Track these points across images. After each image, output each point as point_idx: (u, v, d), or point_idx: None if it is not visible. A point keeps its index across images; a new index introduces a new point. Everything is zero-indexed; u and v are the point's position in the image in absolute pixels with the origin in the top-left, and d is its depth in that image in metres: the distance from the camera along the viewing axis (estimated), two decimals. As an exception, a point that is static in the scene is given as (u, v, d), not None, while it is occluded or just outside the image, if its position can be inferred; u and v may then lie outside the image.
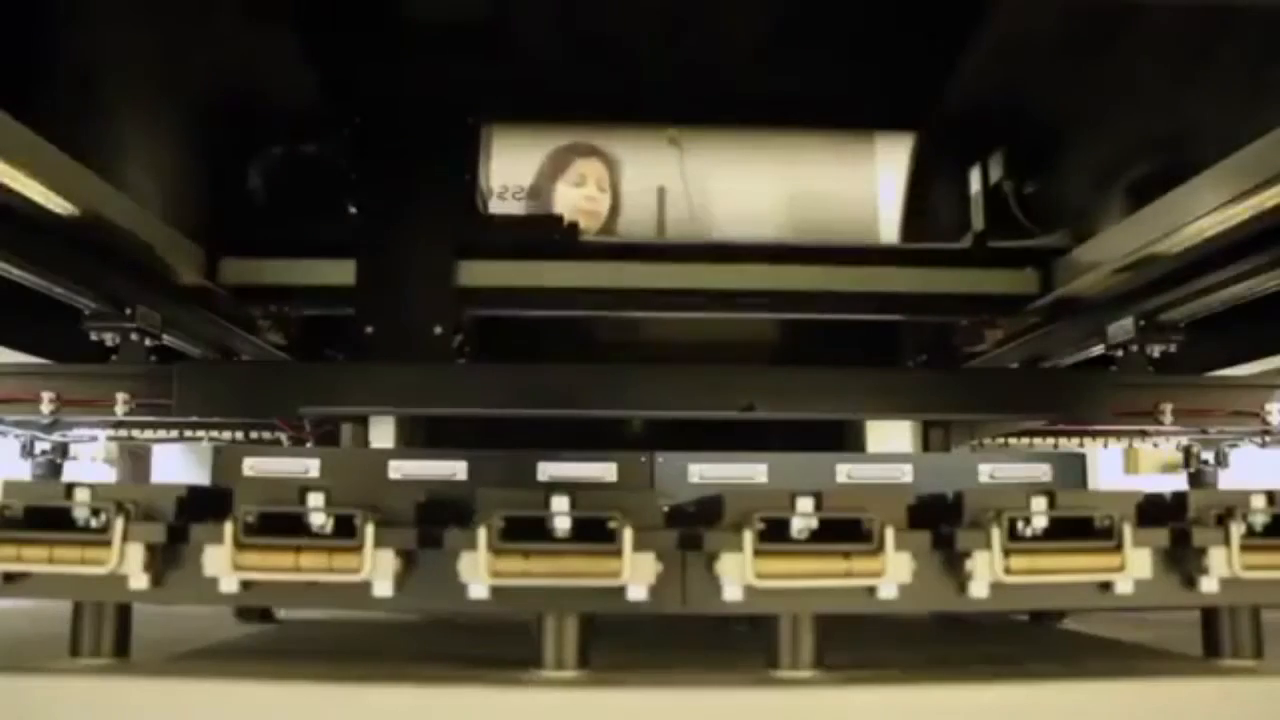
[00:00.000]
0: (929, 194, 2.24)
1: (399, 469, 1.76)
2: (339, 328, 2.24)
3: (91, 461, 2.54)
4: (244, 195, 2.11)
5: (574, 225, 2.14)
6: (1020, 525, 0.95)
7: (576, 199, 2.19)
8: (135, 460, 2.83)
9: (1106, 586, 0.96)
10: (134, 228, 1.72)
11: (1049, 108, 2.03)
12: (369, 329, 2.01)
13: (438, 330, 2.01)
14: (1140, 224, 1.74)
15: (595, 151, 2.21)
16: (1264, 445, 2.32)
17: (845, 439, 2.21)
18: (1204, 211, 1.54)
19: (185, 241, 1.97)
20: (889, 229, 2.25)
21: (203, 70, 1.90)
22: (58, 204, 1.49)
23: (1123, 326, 2.03)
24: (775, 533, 0.93)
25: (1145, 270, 1.81)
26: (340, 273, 2.09)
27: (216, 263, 2.08)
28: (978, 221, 2.18)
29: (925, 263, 2.17)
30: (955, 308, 2.19)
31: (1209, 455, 2.45)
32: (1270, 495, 0.98)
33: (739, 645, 1.08)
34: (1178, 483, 2.47)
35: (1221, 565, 0.96)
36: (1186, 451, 2.44)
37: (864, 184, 2.23)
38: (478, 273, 2.10)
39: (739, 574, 0.92)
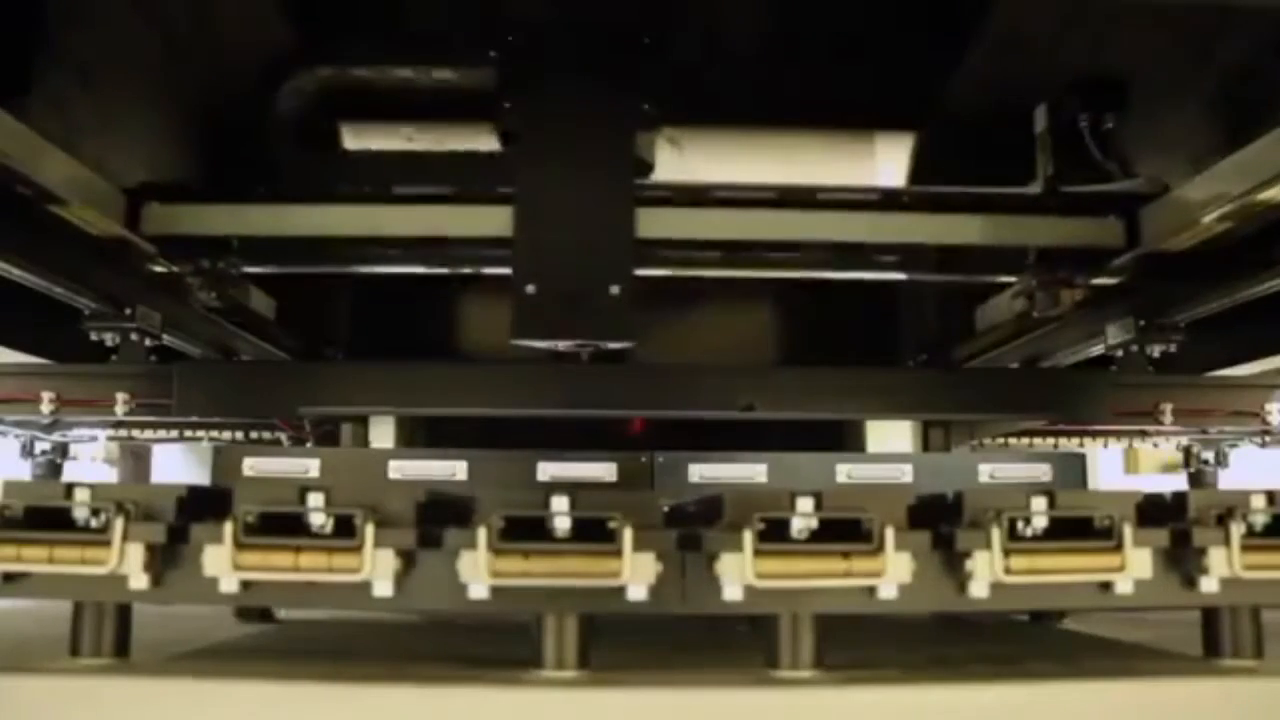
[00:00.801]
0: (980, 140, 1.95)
1: (399, 469, 1.76)
2: (337, 321, 2.22)
3: (91, 461, 2.54)
4: (177, 129, 1.92)
5: None
6: (1020, 525, 0.95)
7: None
8: (136, 460, 2.83)
9: (1106, 586, 0.96)
10: (31, 163, 1.53)
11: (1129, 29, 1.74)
12: (530, 288, 1.66)
13: (614, 290, 1.67)
14: (1245, 163, 1.53)
15: None
16: (1264, 445, 2.32)
17: (845, 439, 2.21)
18: None
19: (102, 183, 1.75)
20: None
21: None
22: None
23: (1123, 326, 2.03)
24: (775, 533, 0.93)
25: (1251, 219, 1.58)
26: (294, 220, 1.87)
27: (139, 209, 1.86)
28: (1046, 166, 1.87)
29: (985, 209, 1.88)
30: (1025, 263, 1.93)
31: (1209, 455, 2.45)
32: (1270, 495, 0.98)
33: (739, 645, 1.08)
34: (1178, 483, 2.47)
35: (1221, 565, 0.96)
36: (1186, 451, 2.44)
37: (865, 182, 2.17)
38: (657, 222, 1.81)
39: (739, 574, 0.92)
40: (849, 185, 1.95)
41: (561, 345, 1.73)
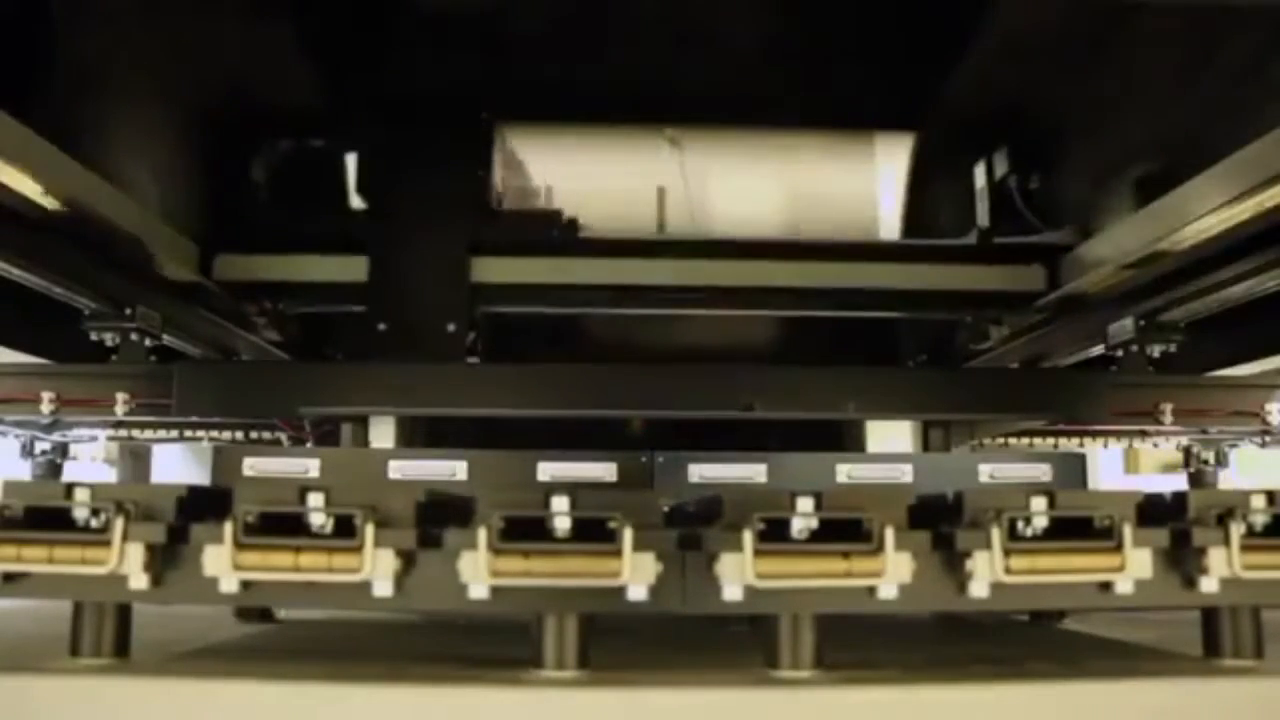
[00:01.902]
0: (931, 191, 2.23)
1: (399, 469, 1.76)
2: (339, 327, 2.23)
3: (91, 461, 2.54)
4: (240, 191, 2.11)
5: (573, 221, 2.14)
6: (1020, 525, 0.95)
7: None
8: (136, 460, 2.83)
9: (1106, 586, 0.96)
10: (128, 224, 1.71)
11: (1053, 104, 2.01)
12: (381, 326, 2.00)
13: (451, 328, 2.00)
14: (1147, 220, 1.73)
15: None
16: (1264, 445, 2.32)
17: (845, 439, 2.21)
18: (1209, 209, 1.53)
19: (180, 238, 1.96)
20: (890, 228, 2.24)
21: (201, 66, 1.90)
22: (50, 200, 1.48)
23: (1123, 326, 2.03)
24: (775, 533, 0.93)
25: (1151, 267, 1.80)
26: (336, 269, 2.08)
27: (211, 259, 2.08)
28: (983, 217, 2.16)
29: (930, 259, 2.15)
30: (960, 304, 2.18)
31: (1209, 455, 2.44)
32: (1270, 495, 0.98)
33: (739, 645, 1.08)
34: (1178, 483, 2.46)
35: (1221, 565, 0.96)
36: (1186, 451, 2.44)
37: (865, 182, 2.23)
38: (491, 269, 2.09)
39: (739, 574, 0.92)
40: (799, 240, 2.19)
41: None
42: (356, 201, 2.27)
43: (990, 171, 2.17)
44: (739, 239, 2.19)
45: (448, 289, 2.02)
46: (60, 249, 1.68)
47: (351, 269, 2.10)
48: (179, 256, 1.96)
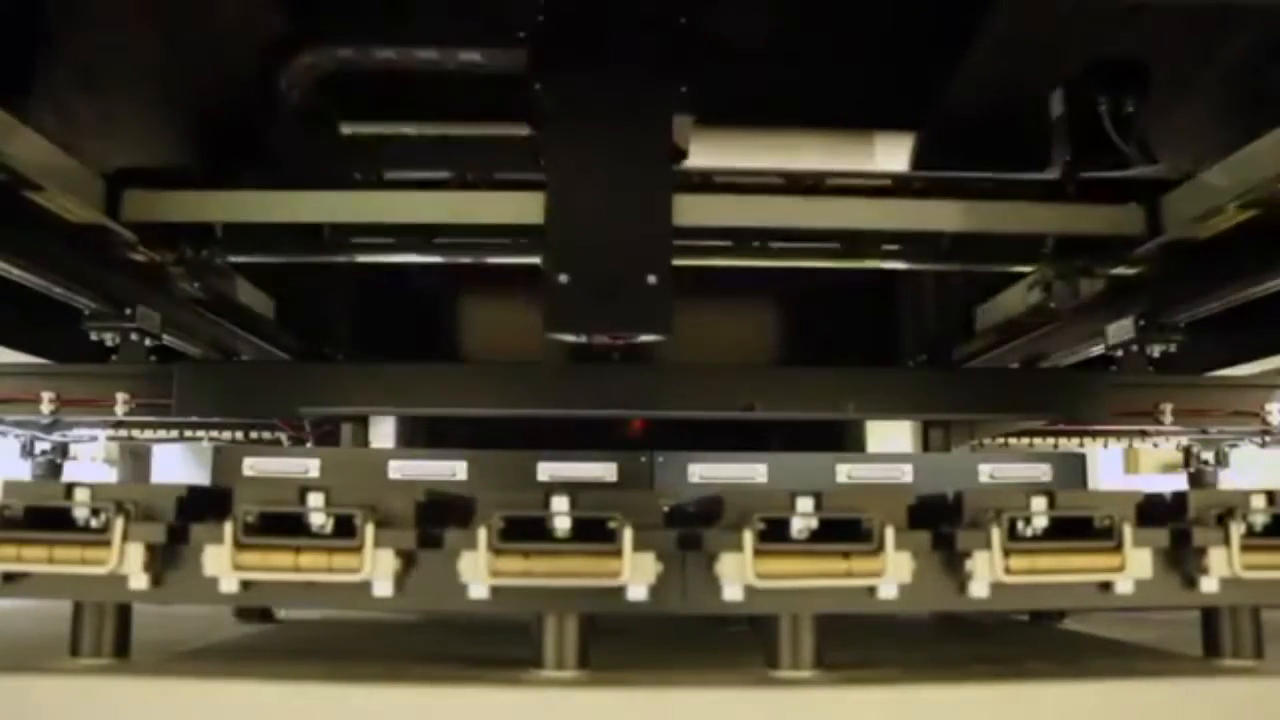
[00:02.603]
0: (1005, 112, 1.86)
1: (399, 469, 1.76)
2: (338, 325, 2.22)
3: (91, 461, 2.54)
4: (161, 111, 1.84)
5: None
6: (1020, 525, 0.95)
7: None
8: (136, 460, 2.83)
9: (1106, 586, 0.96)
10: (4, 146, 1.49)
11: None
12: (562, 277, 1.58)
13: (652, 280, 1.58)
14: (1270, 149, 1.50)
15: None
16: (1264, 445, 2.32)
17: (845, 439, 2.21)
18: None
19: (80, 168, 1.69)
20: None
21: None
22: None
23: (1123, 326, 2.03)
24: (775, 533, 0.93)
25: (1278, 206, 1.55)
26: (280, 207, 1.84)
27: (119, 196, 1.81)
28: (1063, 151, 1.80)
29: (1003, 196, 1.85)
30: (1041, 251, 1.90)
31: (1209, 455, 2.45)
32: (1270, 495, 0.98)
33: (739, 645, 1.08)
34: (1178, 483, 2.47)
35: (1221, 565, 0.96)
36: (1186, 451, 2.44)
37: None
38: (695, 210, 1.78)
39: (739, 574, 0.91)
40: (866, 170, 1.91)
41: (596, 339, 1.66)
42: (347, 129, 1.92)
43: (1070, 96, 1.79)
44: (797, 170, 1.90)
45: (648, 232, 1.60)
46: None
47: (304, 206, 1.83)
48: (77, 192, 1.68)
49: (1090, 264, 1.86)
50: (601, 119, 1.63)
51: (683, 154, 1.77)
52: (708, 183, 1.87)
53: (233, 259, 1.96)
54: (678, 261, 1.63)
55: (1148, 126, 1.75)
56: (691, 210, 1.76)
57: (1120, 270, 1.90)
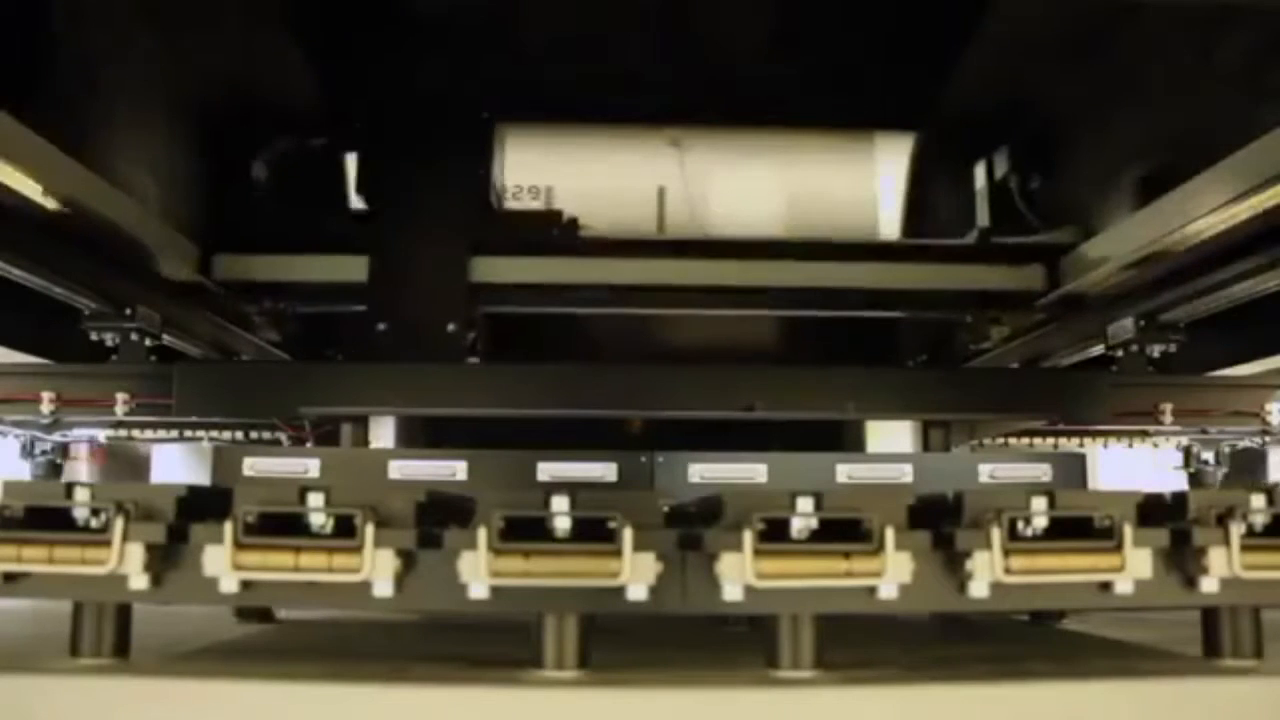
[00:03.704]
0: (932, 191, 2.23)
1: (399, 469, 1.76)
2: (339, 327, 2.23)
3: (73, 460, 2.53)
4: (240, 192, 2.10)
5: (574, 221, 2.13)
6: (1020, 525, 0.95)
7: None
8: (119, 460, 2.80)
9: (1106, 586, 0.96)
10: (128, 224, 1.71)
11: (1053, 105, 2.02)
12: (381, 326, 1.98)
13: (451, 327, 1.99)
14: (1147, 220, 1.73)
15: None
16: (1264, 444, 2.32)
17: (845, 439, 2.21)
18: (1210, 209, 1.53)
19: (179, 238, 1.95)
20: (890, 228, 2.23)
21: (201, 68, 1.89)
22: (50, 200, 1.48)
23: (1123, 326, 2.03)
24: (775, 533, 0.93)
25: (1152, 267, 1.80)
26: (335, 269, 2.08)
27: (211, 259, 2.08)
28: (983, 217, 2.17)
29: (930, 258, 2.15)
30: (960, 304, 2.17)
31: (1209, 455, 2.44)
32: (1270, 495, 0.98)
33: (739, 645, 1.08)
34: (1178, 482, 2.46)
35: (1221, 565, 0.96)
36: (1186, 451, 2.44)
37: (864, 182, 2.23)
38: (491, 269, 2.08)
39: (739, 574, 0.91)
40: (799, 240, 2.19)
41: None
42: (357, 202, 2.25)
43: (990, 171, 2.17)
44: (738, 239, 2.18)
45: (447, 289, 2.01)
46: (62, 249, 1.68)
47: (351, 269, 2.09)
48: (179, 256, 1.95)
49: (1000, 313, 2.18)
50: (412, 199, 2.04)
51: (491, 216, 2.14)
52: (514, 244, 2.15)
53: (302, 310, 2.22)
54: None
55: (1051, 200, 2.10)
56: (489, 270, 2.09)
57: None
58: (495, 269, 2.09)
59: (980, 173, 2.20)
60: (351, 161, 2.23)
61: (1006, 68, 1.95)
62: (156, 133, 1.93)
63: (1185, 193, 1.62)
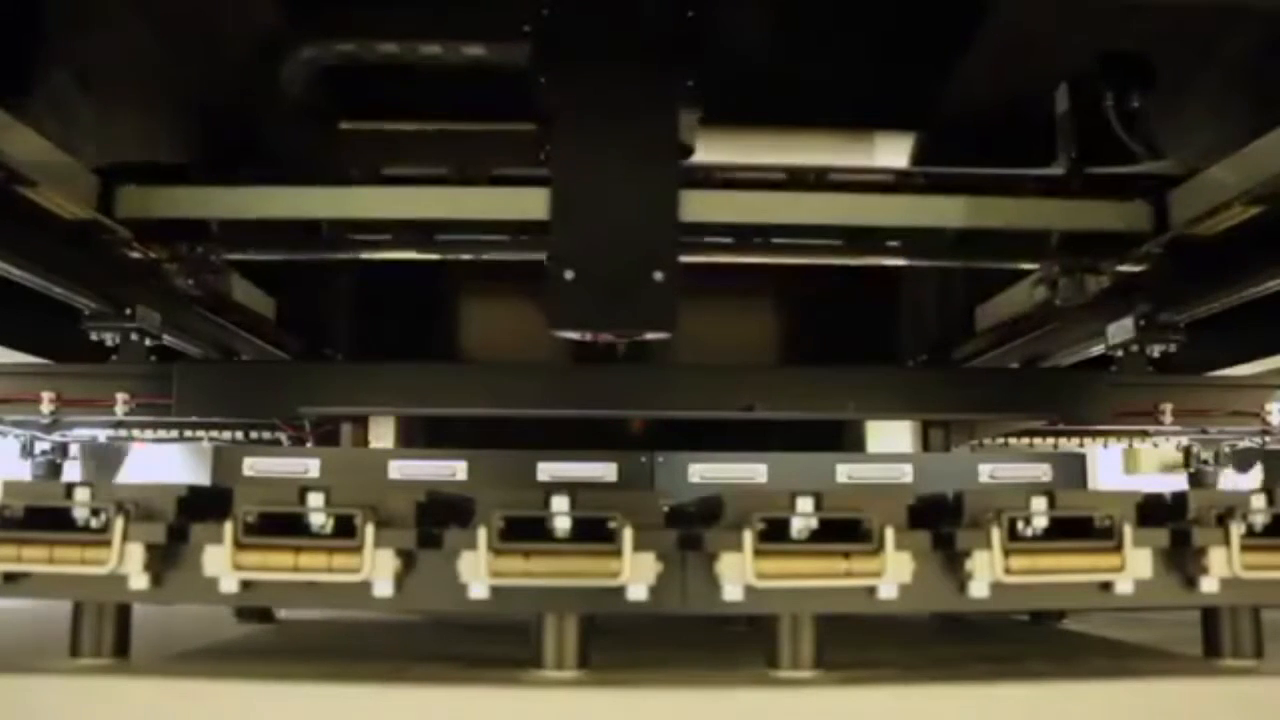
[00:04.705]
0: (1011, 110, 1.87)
1: (399, 469, 1.76)
2: (339, 326, 2.22)
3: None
4: (155, 105, 1.84)
5: None
6: (1020, 525, 0.95)
7: None
8: (98, 460, 2.76)
9: (1106, 586, 0.96)
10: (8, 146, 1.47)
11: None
12: (568, 273, 1.54)
13: (658, 277, 1.54)
14: (1277, 143, 1.48)
15: None
16: (1264, 444, 2.32)
17: (845, 439, 2.21)
18: None
19: (73, 164, 1.66)
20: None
21: None
22: None
23: (1123, 326, 2.03)
24: (775, 533, 0.93)
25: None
26: (277, 202, 1.80)
27: (113, 192, 1.77)
28: (1068, 146, 1.81)
29: (1008, 191, 1.82)
30: (1047, 248, 1.86)
31: (1209, 455, 2.44)
32: (1270, 495, 0.98)
33: (739, 645, 1.08)
34: (1178, 483, 2.47)
35: (1221, 565, 0.96)
36: (1186, 451, 2.44)
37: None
38: (701, 206, 1.76)
39: (739, 574, 0.91)
40: (870, 166, 1.94)
41: (601, 337, 1.63)
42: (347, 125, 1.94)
43: (1076, 93, 1.79)
44: (799, 165, 1.87)
45: (655, 228, 1.56)
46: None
47: (302, 202, 1.80)
48: (70, 188, 1.65)
49: (1096, 261, 1.83)
50: (607, 114, 1.60)
51: (689, 150, 1.74)
52: (711, 179, 1.84)
53: (229, 256, 1.92)
54: (683, 258, 1.60)
55: (1154, 123, 1.73)
56: (698, 206, 1.73)
57: (1126, 267, 1.88)
58: (707, 205, 1.76)
59: (1063, 94, 1.81)
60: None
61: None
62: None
63: None
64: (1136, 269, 1.87)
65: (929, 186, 1.85)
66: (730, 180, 1.86)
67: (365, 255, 1.99)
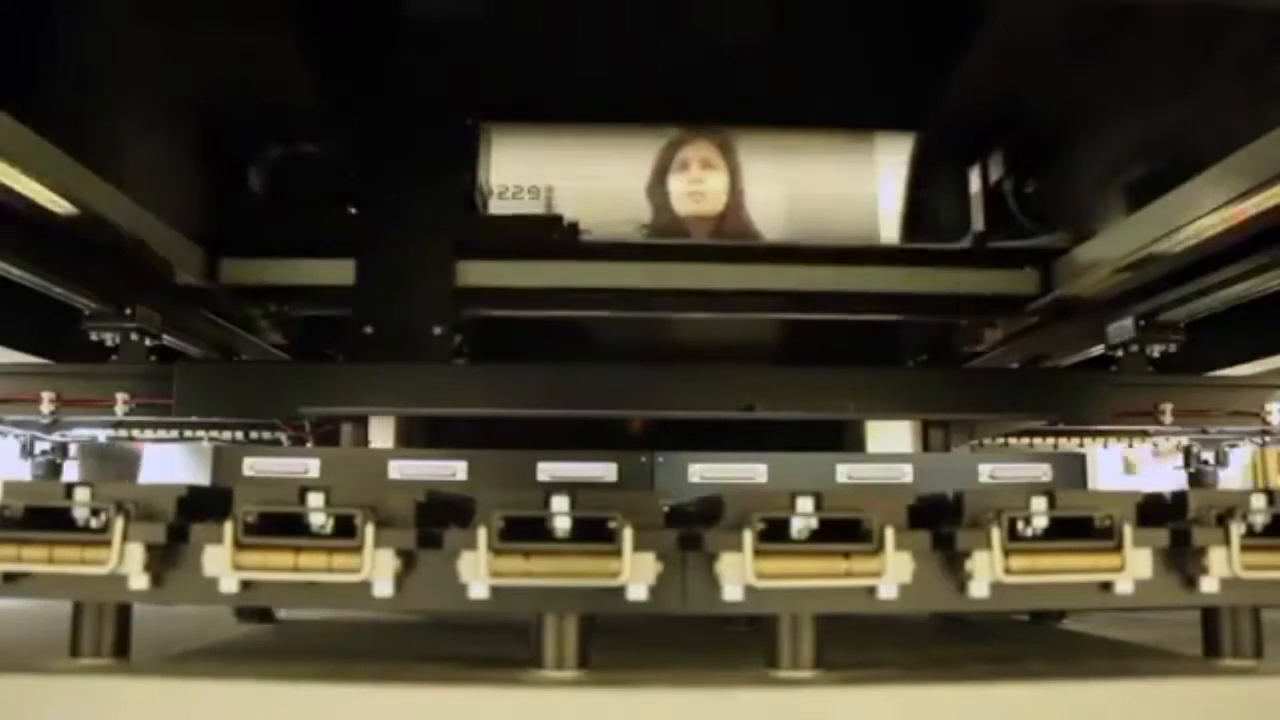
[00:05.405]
0: (929, 194, 2.23)
1: (399, 469, 1.76)
2: (338, 327, 2.23)
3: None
4: (242, 196, 2.09)
5: (574, 225, 2.13)
6: (1020, 525, 0.95)
7: (683, 187, 2.16)
8: (101, 461, 2.76)
9: (1106, 586, 0.96)
10: (133, 228, 1.70)
11: (1048, 107, 2.01)
12: (368, 329, 2.00)
13: (437, 331, 2.00)
14: (1140, 223, 1.72)
15: (696, 135, 2.18)
16: (1264, 445, 2.32)
17: (845, 439, 2.21)
18: (1204, 211, 1.52)
19: (185, 242, 1.95)
20: (891, 228, 2.23)
21: (199, 70, 1.89)
22: (57, 204, 1.48)
23: (1123, 326, 2.03)
24: (775, 533, 0.93)
25: (1145, 270, 1.79)
26: (339, 272, 2.07)
27: (216, 263, 2.07)
28: (978, 221, 2.17)
29: (925, 262, 2.15)
30: (955, 308, 2.17)
31: (1209, 455, 2.44)
32: (1270, 495, 0.98)
33: (739, 645, 1.08)
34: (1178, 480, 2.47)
35: (1221, 565, 0.96)
36: (1186, 451, 2.44)
37: (863, 183, 2.22)
38: (476, 272, 2.08)
39: (739, 574, 0.92)
40: (796, 243, 2.18)
41: None
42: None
43: (985, 175, 2.17)
44: (735, 242, 2.17)
45: (433, 292, 2.03)
46: (65, 252, 1.68)
47: (350, 272, 2.09)
48: (184, 261, 1.95)
49: (995, 317, 2.19)
50: (399, 202, 2.05)
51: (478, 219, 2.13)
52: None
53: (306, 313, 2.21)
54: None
55: (1046, 201, 2.10)
56: (475, 274, 2.08)
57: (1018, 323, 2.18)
58: (481, 273, 2.09)
59: (975, 176, 2.19)
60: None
61: (1000, 70, 1.95)
62: (157, 137, 1.93)
63: (1177, 195, 1.61)
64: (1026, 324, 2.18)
65: (860, 259, 2.16)
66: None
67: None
